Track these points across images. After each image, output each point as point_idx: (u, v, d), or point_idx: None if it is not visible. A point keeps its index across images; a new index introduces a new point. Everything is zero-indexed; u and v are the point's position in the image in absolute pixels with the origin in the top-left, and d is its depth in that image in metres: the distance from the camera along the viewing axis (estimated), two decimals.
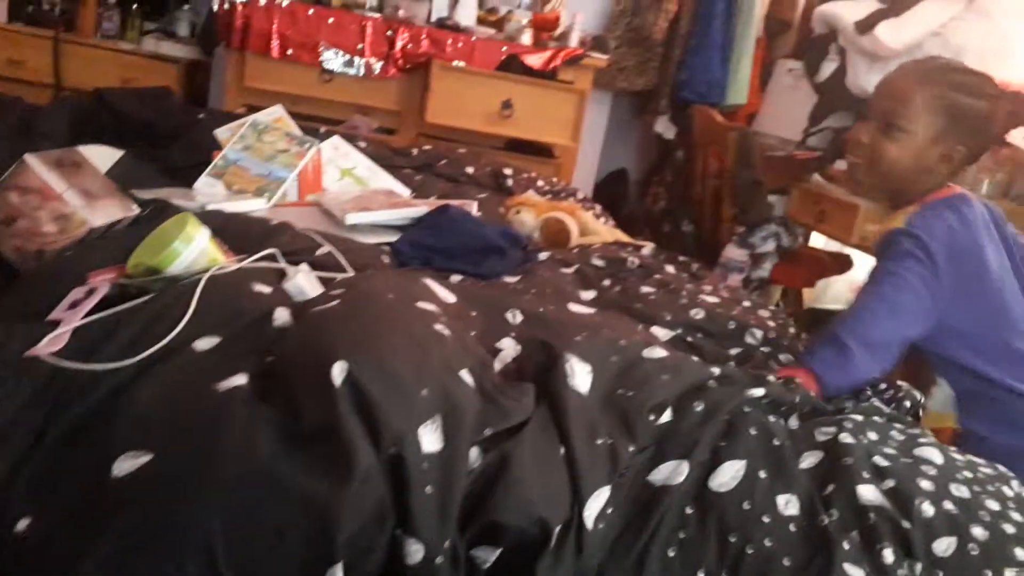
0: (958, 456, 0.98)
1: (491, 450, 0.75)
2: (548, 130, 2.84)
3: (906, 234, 1.27)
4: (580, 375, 0.89)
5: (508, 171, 2.34)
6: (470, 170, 2.19)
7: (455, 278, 1.30)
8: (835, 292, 3.15)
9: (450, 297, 1.06)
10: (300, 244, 1.17)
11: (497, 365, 0.94)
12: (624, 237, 2.04)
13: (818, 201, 2.41)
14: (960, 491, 0.88)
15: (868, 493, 0.84)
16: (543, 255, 1.57)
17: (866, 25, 2.37)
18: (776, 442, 0.90)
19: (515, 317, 1.11)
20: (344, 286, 0.91)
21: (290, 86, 2.75)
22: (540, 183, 2.38)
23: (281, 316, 0.87)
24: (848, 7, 2.52)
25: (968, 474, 0.93)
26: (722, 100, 3.09)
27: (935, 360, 1.35)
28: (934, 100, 1.27)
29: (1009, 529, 0.84)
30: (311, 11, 2.69)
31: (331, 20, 2.70)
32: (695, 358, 1.10)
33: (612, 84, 3.25)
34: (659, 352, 0.97)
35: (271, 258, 1.06)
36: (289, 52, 2.70)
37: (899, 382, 1.18)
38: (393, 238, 1.43)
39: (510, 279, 1.34)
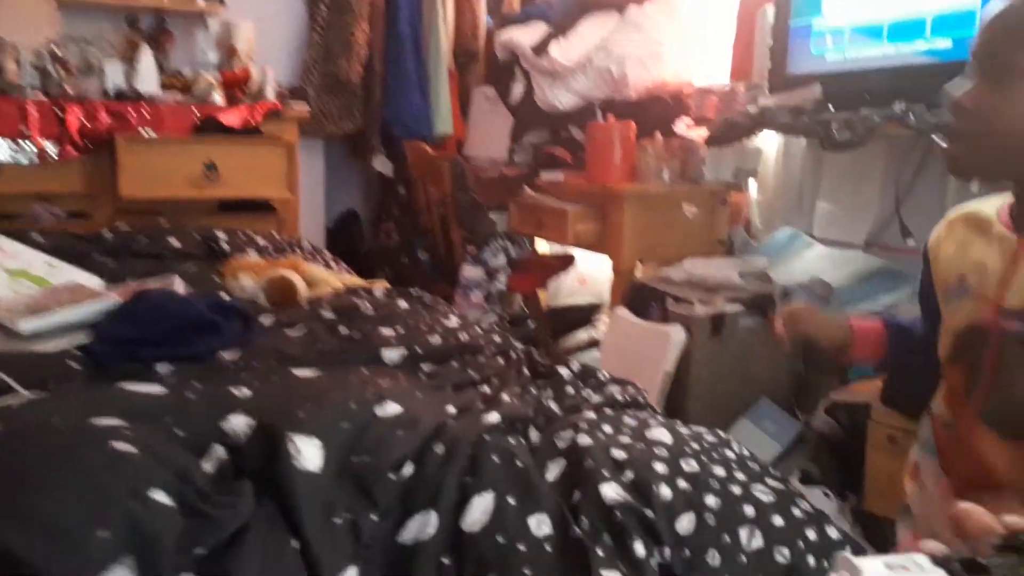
0: (684, 429, 1.04)
1: (209, 569, 0.66)
2: (260, 186, 2.72)
3: None
4: (308, 452, 0.82)
5: (222, 235, 2.18)
6: (175, 242, 2.01)
7: (164, 367, 1.17)
8: (567, 288, 3.35)
9: (156, 389, 0.95)
10: None
11: (221, 452, 0.85)
12: (356, 281, 1.99)
13: (533, 211, 2.55)
14: (690, 465, 0.93)
15: (611, 491, 0.86)
16: (267, 319, 1.48)
17: (541, 47, 2.55)
18: (519, 463, 0.90)
19: (241, 391, 1.01)
20: (2, 420, 0.76)
21: None
22: (261, 241, 2.25)
23: None
24: (523, 32, 2.69)
25: (695, 445, 0.99)
26: (430, 132, 3.16)
27: None
28: None
29: (736, 490, 0.91)
30: None
31: None
32: (432, 387, 1.08)
33: (321, 130, 3.19)
34: (392, 408, 0.93)
35: None
36: None
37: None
38: (87, 338, 1.26)
39: (229, 355, 1.23)
